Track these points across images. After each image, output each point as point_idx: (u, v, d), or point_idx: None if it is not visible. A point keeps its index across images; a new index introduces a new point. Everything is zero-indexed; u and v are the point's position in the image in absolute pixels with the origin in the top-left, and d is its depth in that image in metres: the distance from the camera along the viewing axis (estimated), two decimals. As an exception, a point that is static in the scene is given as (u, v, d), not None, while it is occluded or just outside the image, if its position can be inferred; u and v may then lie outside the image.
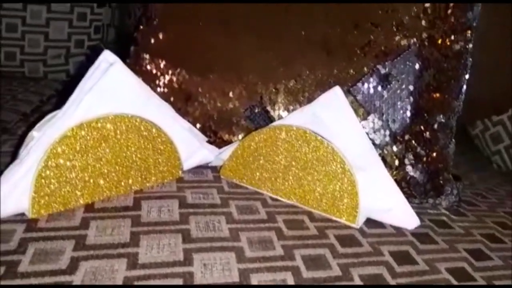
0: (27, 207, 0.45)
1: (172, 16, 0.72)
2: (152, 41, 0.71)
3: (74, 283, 0.37)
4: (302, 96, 0.63)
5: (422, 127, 0.61)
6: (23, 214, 0.46)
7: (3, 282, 0.36)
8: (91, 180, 0.50)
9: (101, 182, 0.50)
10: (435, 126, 0.62)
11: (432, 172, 0.62)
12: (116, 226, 0.46)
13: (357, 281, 0.43)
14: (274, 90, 0.64)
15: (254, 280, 0.40)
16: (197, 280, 0.39)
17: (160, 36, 0.70)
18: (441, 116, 0.62)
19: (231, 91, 0.66)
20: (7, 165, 0.47)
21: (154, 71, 0.69)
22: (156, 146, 0.56)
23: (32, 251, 0.40)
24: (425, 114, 0.62)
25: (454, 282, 0.45)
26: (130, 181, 0.54)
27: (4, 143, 0.67)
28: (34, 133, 0.50)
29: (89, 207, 0.49)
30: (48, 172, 0.46)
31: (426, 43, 0.61)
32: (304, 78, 0.63)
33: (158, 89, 0.68)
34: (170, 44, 0.70)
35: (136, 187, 0.54)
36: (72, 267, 0.38)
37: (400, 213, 0.55)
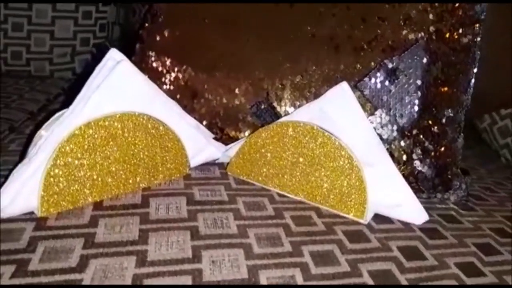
0: (36, 206, 0.45)
1: (177, 14, 0.72)
2: (158, 38, 0.71)
3: (84, 281, 0.37)
4: (309, 91, 0.63)
5: (430, 122, 0.61)
6: (32, 213, 0.46)
7: (14, 281, 0.36)
8: (99, 179, 0.50)
9: (109, 180, 0.51)
10: (443, 120, 0.62)
11: (440, 167, 0.61)
12: (125, 223, 0.46)
13: (366, 277, 0.43)
14: (280, 86, 0.64)
15: (263, 276, 0.40)
16: (206, 277, 0.39)
17: (166, 33, 0.70)
18: (449, 110, 0.62)
19: (237, 88, 0.65)
20: (15, 164, 0.48)
21: (160, 69, 0.70)
22: (163, 143, 0.56)
23: (42, 250, 0.40)
24: (433, 109, 0.61)
25: (463, 277, 0.45)
26: (138, 178, 0.54)
27: (12, 142, 0.68)
28: (42, 132, 0.50)
29: (97, 205, 0.49)
30: (56, 170, 0.46)
31: (433, 37, 0.61)
32: (310, 74, 0.63)
33: (164, 87, 0.68)
34: (176, 41, 0.70)
35: (144, 184, 0.54)
36: (82, 265, 0.39)
37: (409, 208, 0.55)
